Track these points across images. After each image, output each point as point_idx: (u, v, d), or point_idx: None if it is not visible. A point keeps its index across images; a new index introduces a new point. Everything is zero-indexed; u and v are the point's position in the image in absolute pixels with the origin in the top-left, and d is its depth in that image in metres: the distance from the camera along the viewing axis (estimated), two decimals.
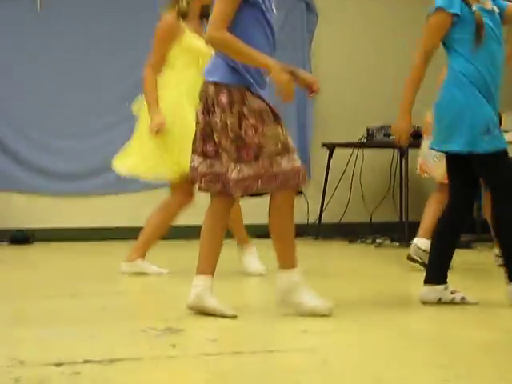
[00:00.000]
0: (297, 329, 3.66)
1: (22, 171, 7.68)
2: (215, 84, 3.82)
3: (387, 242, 7.38)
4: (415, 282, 5.19)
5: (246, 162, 3.78)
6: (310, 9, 8.33)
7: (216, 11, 3.80)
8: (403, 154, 7.50)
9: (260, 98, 3.83)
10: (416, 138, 7.50)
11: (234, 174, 3.78)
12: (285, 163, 3.80)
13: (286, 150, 3.81)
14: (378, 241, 7.46)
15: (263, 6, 3.82)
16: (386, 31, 8.44)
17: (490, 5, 4.21)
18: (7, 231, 7.52)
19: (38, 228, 7.57)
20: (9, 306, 4.37)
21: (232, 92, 3.80)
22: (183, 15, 5.32)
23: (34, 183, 7.70)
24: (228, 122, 3.77)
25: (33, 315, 4.07)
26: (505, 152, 4.18)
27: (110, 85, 7.74)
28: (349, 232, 7.73)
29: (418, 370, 3.01)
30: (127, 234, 7.55)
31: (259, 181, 3.79)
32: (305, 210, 8.29)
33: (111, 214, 7.75)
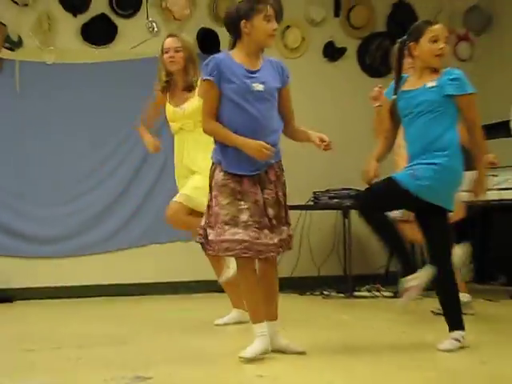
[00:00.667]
0: (253, 374, 3.66)
1: (2, 236, 7.62)
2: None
3: (333, 293, 7.39)
4: (360, 328, 5.23)
5: (213, 228, 3.97)
6: None
7: (202, 108, 4.07)
8: (346, 214, 7.57)
9: (228, 174, 3.97)
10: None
11: (210, 236, 3.99)
12: (229, 234, 3.92)
13: (234, 222, 3.92)
14: (325, 293, 7.47)
15: (235, 97, 3.94)
16: (330, 107, 8.56)
17: (423, 83, 4.26)
18: None
19: (17, 288, 7.50)
20: None
21: (213, 167, 4.03)
22: (163, 87, 5.42)
23: (12, 247, 7.63)
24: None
25: (13, 366, 4.03)
26: None
27: (81, 158, 7.78)
28: (299, 285, 7.74)
29: None
30: (99, 291, 7.55)
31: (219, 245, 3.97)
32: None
33: (83, 273, 7.69)
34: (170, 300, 7.17)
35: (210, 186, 4.03)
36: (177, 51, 5.33)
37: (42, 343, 4.72)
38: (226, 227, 3.92)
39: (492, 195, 6.34)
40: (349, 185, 7.70)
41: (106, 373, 3.67)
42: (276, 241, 4.02)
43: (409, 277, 4.23)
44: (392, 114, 4.40)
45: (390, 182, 4.26)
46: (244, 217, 3.93)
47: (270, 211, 4.01)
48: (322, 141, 4.15)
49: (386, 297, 7.13)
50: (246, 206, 3.94)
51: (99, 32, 7.96)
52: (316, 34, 8.63)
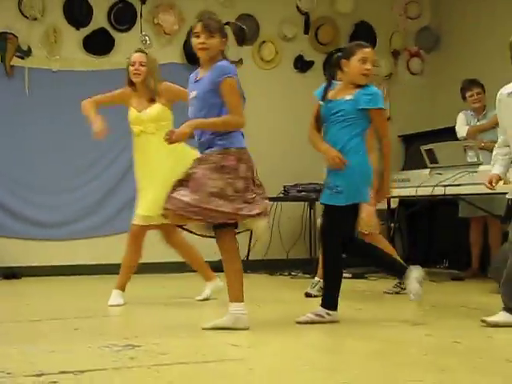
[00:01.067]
0: (228, 343, 3.66)
1: (12, 220, 7.60)
2: None
3: (300, 274, 7.40)
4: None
5: None
6: None
7: None
8: (311, 206, 7.59)
9: None
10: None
11: None
12: None
13: None
14: (293, 273, 7.48)
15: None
16: (299, 111, 8.56)
17: (341, 96, 4.27)
18: (0, 268, 7.40)
19: (24, 266, 7.47)
20: None
21: None
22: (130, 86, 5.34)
23: (21, 230, 7.61)
24: None
25: (19, 335, 4.01)
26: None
27: (81, 153, 7.74)
28: (270, 266, 7.75)
29: (324, 373, 3.03)
30: (97, 270, 7.52)
31: None
32: None
33: (84, 254, 7.68)
34: (158, 278, 7.15)
35: None
36: (141, 65, 5.25)
37: (44, 315, 4.70)
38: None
39: (437, 191, 6.37)
40: (315, 180, 7.70)
41: (100, 341, 3.66)
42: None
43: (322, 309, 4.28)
44: (318, 114, 4.37)
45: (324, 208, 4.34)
46: None
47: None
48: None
49: (345, 277, 7.10)
50: None
51: (99, 44, 7.94)
52: (288, 48, 8.64)
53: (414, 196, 6.79)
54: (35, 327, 4.27)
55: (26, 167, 7.65)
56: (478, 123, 6.91)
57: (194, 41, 4.04)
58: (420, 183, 6.62)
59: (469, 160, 6.48)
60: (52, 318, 4.59)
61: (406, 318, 4.48)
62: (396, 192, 7.12)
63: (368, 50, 4.31)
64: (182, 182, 3.98)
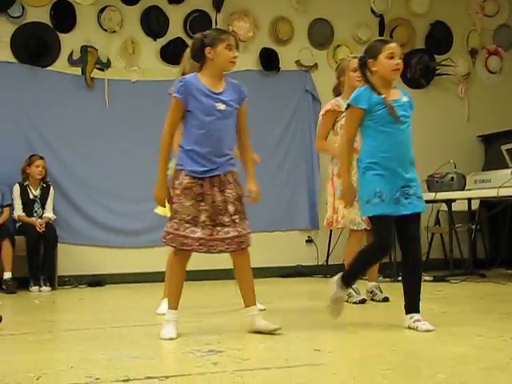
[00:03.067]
0: (311, 348, 3.64)
1: (95, 229, 7.76)
2: None
3: (380, 278, 7.30)
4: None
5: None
6: (314, 98, 8.41)
7: (166, 118, 4.14)
8: None
9: (192, 178, 4.00)
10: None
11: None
12: (188, 231, 3.95)
13: (194, 221, 3.94)
14: None
15: (198, 114, 3.95)
16: None
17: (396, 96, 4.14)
18: (85, 276, 7.57)
19: (108, 273, 7.62)
20: (86, 333, 4.38)
21: (178, 171, 4.17)
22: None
23: (104, 238, 7.76)
24: None
25: (104, 341, 4.07)
26: (377, 218, 4.12)
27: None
28: None
29: (408, 377, 2.97)
30: None
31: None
32: (315, 254, 8.26)
33: (162, 261, 7.75)
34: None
35: (173, 185, 4.05)
36: None
37: (127, 321, 4.77)
38: (187, 225, 3.94)
39: None
40: None
41: (183, 347, 3.69)
42: (235, 234, 3.95)
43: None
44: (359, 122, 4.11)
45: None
46: (202, 217, 3.94)
47: (231, 207, 3.95)
48: (251, 192, 4.09)
49: (426, 281, 7.03)
50: (205, 207, 3.94)
51: (176, 53, 8.01)
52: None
53: (495, 197, 6.65)
54: (119, 333, 4.34)
55: (107, 176, 7.81)
56: None
57: (228, 53, 3.95)
58: (501, 184, 6.48)
59: None
60: (134, 324, 4.66)
61: (491, 322, 4.38)
62: (477, 193, 6.99)
63: (393, 44, 4.17)
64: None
